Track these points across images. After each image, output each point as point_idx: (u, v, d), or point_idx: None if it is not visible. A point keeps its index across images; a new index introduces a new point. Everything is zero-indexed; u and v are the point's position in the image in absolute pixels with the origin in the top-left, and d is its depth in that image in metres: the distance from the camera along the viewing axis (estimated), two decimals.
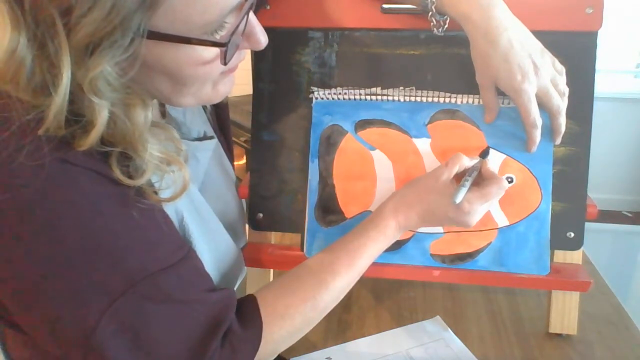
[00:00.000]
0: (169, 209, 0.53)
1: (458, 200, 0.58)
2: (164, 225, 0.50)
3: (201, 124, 0.68)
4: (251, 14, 0.48)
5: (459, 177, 0.62)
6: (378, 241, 0.61)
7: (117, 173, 0.45)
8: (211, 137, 0.68)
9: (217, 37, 0.46)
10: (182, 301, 0.49)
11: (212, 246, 0.61)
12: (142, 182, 0.46)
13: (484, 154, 0.66)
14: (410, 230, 0.68)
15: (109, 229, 0.45)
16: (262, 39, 0.50)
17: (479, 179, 0.63)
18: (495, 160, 0.67)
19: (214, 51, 0.46)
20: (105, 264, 0.45)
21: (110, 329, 0.44)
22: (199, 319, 0.50)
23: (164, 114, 0.64)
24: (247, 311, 0.54)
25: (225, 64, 0.46)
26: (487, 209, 0.62)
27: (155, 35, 0.42)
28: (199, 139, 0.66)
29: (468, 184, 0.60)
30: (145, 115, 0.46)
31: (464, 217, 0.60)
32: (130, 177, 0.46)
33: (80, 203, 0.44)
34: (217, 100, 0.55)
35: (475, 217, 0.61)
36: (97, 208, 0.45)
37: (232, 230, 0.70)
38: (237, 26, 0.45)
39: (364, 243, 0.61)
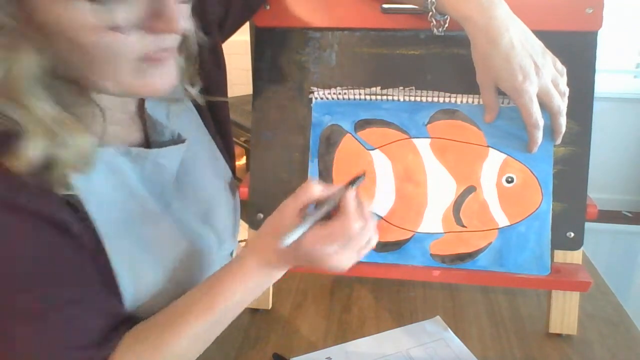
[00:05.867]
0: (101, 222, 0.50)
1: (284, 242, 0.49)
2: (53, 254, 0.46)
3: (183, 126, 0.64)
4: None
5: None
6: (239, 279, 0.55)
7: None
8: (182, 141, 0.63)
9: None
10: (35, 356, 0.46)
11: (165, 258, 0.58)
12: (27, 155, 0.41)
13: (353, 181, 0.56)
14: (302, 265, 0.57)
15: None
16: (174, 22, 0.45)
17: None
18: (495, 160, 0.68)
19: (103, 17, 0.42)
20: None
21: None
22: None
23: (142, 114, 0.61)
24: None
25: (111, 26, 0.42)
26: (352, 252, 0.53)
27: None
28: (168, 143, 0.62)
29: (306, 223, 0.51)
30: (36, 61, 0.42)
31: (310, 258, 0.52)
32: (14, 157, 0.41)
33: None
34: (147, 94, 0.51)
35: (330, 259, 0.52)
36: None
37: (216, 234, 0.67)
38: None
39: (224, 282, 0.55)
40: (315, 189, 0.55)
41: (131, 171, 0.55)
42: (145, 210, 0.57)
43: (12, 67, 0.41)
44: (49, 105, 0.43)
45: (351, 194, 0.53)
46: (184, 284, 0.60)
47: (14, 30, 0.40)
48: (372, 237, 0.55)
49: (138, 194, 0.56)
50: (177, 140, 0.62)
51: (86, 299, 0.50)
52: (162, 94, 0.51)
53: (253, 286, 0.56)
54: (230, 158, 0.75)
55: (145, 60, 0.47)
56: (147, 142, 0.61)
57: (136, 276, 0.55)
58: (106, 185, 0.52)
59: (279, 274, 0.57)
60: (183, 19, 0.46)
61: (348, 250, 0.53)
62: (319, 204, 0.54)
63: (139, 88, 0.49)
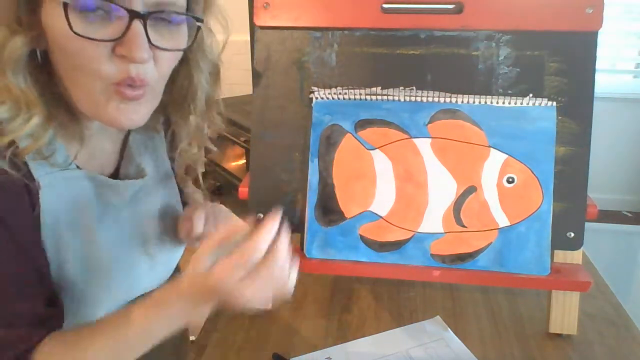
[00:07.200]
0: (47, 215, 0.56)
1: (203, 266, 0.50)
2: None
3: (151, 160, 0.71)
4: (138, 27, 0.50)
5: None
6: (155, 309, 0.54)
7: None
8: (143, 176, 0.69)
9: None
10: None
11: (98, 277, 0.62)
12: None
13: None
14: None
15: None
16: (133, 50, 0.50)
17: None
18: (496, 160, 0.67)
19: (83, 29, 0.49)
20: None
21: None
22: None
23: (124, 144, 0.67)
24: (24, 351, 0.53)
25: (70, 27, 0.48)
26: (257, 279, 0.50)
27: None
28: (132, 174, 0.68)
29: (221, 248, 0.51)
30: (26, 47, 0.50)
31: (220, 291, 0.51)
32: None
33: None
34: (112, 124, 0.55)
35: (236, 292, 0.50)
36: None
37: (150, 259, 0.71)
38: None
39: (140, 309, 0.55)
40: (235, 223, 0.55)
41: (92, 193, 0.61)
42: (86, 229, 0.61)
43: (6, 44, 0.50)
44: (23, 80, 0.51)
45: (269, 223, 0.52)
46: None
47: (20, 23, 0.50)
48: (292, 274, 0.54)
49: (87, 214, 0.61)
50: (139, 174, 0.68)
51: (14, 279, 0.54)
52: (124, 127, 0.58)
53: (169, 320, 0.55)
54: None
55: (114, 87, 0.52)
56: (118, 168, 0.67)
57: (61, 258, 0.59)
58: (62, 201, 0.58)
59: (194, 312, 0.55)
60: (146, 51, 0.51)
61: (258, 280, 0.50)
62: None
63: (106, 114, 0.54)
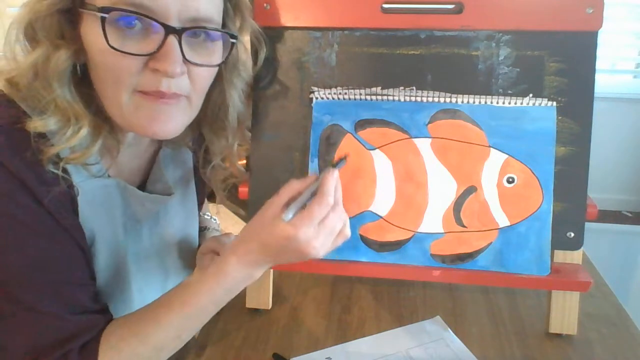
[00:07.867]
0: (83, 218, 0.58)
1: (286, 218, 0.55)
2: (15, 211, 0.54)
3: (177, 177, 0.72)
4: (173, 42, 0.51)
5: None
6: (217, 277, 0.57)
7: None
8: (169, 194, 0.70)
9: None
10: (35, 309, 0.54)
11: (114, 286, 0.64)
12: (41, 122, 0.52)
13: (335, 164, 0.63)
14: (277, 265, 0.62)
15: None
16: (167, 64, 0.51)
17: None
18: (497, 160, 0.68)
19: (115, 43, 0.51)
20: None
21: None
22: (46, 331, 0.54)
23: (153, 160, 0.68)
24: (91, 339, 0.56)
25: (107, 41, 0.50)
26: (328, 236, 0.57)
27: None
28: (158, 190, 0.69)
29: (300, 199, 0.57)
30: (69, 60, 0.53)
31: (295, 243, 0.55)
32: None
33: None
34: (143, 132, 0.56)
35: (310, 243, 0.55)
36: None
37: (165, 271, 0.73)
38: (129, 12, 0.50)
39: (202, 279, 0.58)
40: (295, 182, 0.59)
41: (119, 201, 0.63)
42: (112, 236, 0.64)
43: (51, 58, 0.52)
44: (69, 93, 0.53)
45: (331, 174, 0.58)
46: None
47: (62, 38, 0.53)
48: (346, 225, 0.58)
49: (115, 221, 0.63)
50: (165, 191, 0.69)
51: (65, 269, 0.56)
52: (157, 136, 0.56)
53: (231, 285, 0.58)
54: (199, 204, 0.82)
55: (140, 94, 0.53)
56: (145, 182, 0.68)
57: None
58: (95, 207, 0.60)
59: (257, 274, 0.59)
60: (179, 66, 0.52)
61: (322, 233, 0.55)
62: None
63: (137, 122, 0.55)
